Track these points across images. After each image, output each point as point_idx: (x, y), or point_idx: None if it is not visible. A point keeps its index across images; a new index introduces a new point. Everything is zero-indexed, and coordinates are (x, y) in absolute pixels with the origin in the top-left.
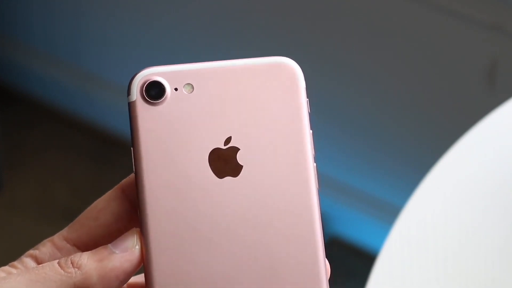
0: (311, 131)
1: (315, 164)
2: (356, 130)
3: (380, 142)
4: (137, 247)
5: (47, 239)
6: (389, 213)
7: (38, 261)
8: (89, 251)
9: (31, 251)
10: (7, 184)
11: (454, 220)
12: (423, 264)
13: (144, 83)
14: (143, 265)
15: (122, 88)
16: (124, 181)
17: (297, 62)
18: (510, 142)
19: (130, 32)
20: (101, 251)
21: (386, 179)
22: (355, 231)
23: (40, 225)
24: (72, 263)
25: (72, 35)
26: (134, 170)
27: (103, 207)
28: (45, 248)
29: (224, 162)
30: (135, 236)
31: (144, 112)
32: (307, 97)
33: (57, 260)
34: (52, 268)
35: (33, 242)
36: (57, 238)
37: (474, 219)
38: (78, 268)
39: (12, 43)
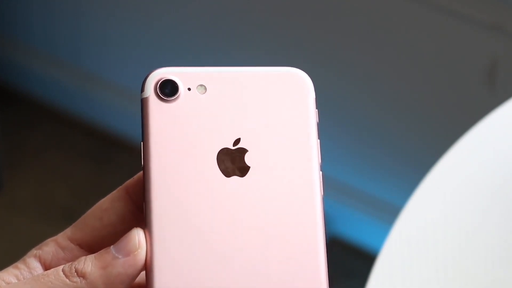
0: (318, 140)
1: (321, 172)
2: (356, 130)
3: (380, 142)
4: (139, 251)
5: (51, 238)
6: (389, 213)
7: (41, 261)
8: (92, 256)
9: (34, 251)
10: (7, 184)
11: (454, 220)
12: (423, 264)
13: (159, 81)
14: (145, 264)
15: (122, 88)
16: (128, 181)
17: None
18: (510, 142)
19: (130, 32)
20: (104, 257)
21: (386, 179)
22: (355, 231)
23: (40, 225)
24: (76, 271)
25: (72, 35)
26: (142, 164)
27: (108, 207)
28: (48, 247)
29: (232, 162)
30: (136, 237)
31: (157, 108)
32: (316, 107)
33: (62, 267)
34: (57, 277)
35: (33, 242)
36: (61, 237)
37: (474, 219)
38: (83, 277)
39: (12, 43)
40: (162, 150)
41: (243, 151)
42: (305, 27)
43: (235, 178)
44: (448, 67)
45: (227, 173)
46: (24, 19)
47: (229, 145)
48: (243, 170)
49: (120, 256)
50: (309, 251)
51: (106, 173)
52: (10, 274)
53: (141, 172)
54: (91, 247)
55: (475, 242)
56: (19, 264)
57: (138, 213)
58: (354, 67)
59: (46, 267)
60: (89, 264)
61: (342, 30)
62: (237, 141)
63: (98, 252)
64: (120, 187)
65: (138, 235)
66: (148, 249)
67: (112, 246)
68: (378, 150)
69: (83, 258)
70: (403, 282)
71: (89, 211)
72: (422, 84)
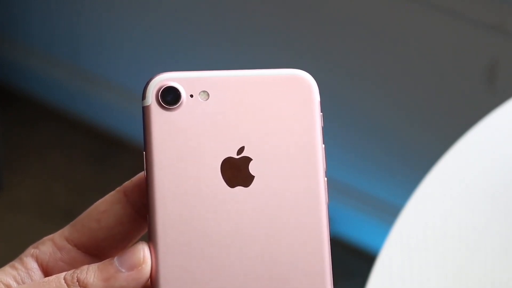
0: (323, 145)
1: (326, 178)
2: (356, 130)
3: (380, 142)
4: (144, 266)
5: (47, 237)
6: (389, 213)
7: (38, 261)
8: (95, 266)
9: (31, 250)
10: (7, 184)
11: (454, 220)
12: (423, 264)
13: (160, 88)
14: (150, 277)
15: (122, 88)
16: (126, 184)
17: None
18: (510, 142)
19: (130, 32)
20: (107, 268)
21: (386, 179)
22: (355, 231)
23: (40, 225)
24: (78, 280)
25: (72, 35)
26: (145, 174)
27: (105, 209)
28: (45, 247)
29: (236, 171)
30: (141, 251)
31: (159, 117)
32: (321, 111)
33: (63, 275)
34: (58, 285)
35: (33, 242)
36: (58, 237)
37: (474, 219)
38: (84, 287)
39: (12, 43)
40: (165, 161)
41: (248, 160)
42: (306, 27)
43: (239, 188)
44: (448, 67)
45: (232, 183)
46: (25, 19)
47: (233, 154)
48: (247, 179)
49: (123, 270)
50: (314, 260)
51: (106, 173)
52: (8, 275)
53: (140, 174)
54: (88, 248)
55: (475, 242)
56: (16, 263)
57: (136, 216)
58: (354, 67)
59: (43, 268)
60: (91, 274)
61: (342, 30)
62: (241, 150)
63: (101, 263)
64: (118, 188)
65: (143, 249)
66: (153, 264)
67: (115, 258)
68: (378, 150)
69: (85, 267)
70: (403, 282)
71: (87, 212)
72: (422, 84)
